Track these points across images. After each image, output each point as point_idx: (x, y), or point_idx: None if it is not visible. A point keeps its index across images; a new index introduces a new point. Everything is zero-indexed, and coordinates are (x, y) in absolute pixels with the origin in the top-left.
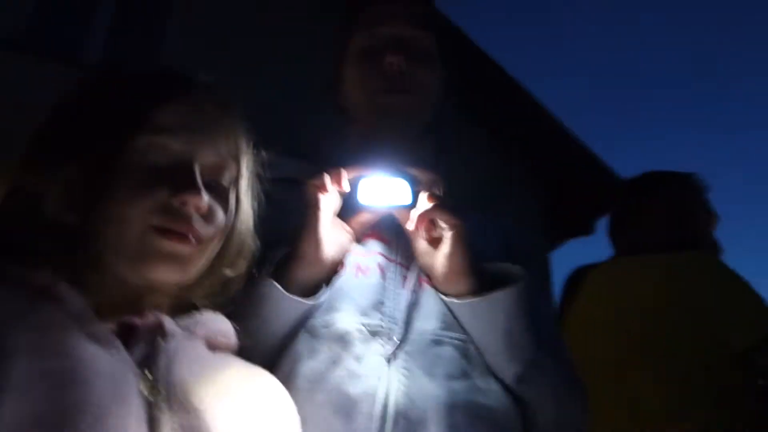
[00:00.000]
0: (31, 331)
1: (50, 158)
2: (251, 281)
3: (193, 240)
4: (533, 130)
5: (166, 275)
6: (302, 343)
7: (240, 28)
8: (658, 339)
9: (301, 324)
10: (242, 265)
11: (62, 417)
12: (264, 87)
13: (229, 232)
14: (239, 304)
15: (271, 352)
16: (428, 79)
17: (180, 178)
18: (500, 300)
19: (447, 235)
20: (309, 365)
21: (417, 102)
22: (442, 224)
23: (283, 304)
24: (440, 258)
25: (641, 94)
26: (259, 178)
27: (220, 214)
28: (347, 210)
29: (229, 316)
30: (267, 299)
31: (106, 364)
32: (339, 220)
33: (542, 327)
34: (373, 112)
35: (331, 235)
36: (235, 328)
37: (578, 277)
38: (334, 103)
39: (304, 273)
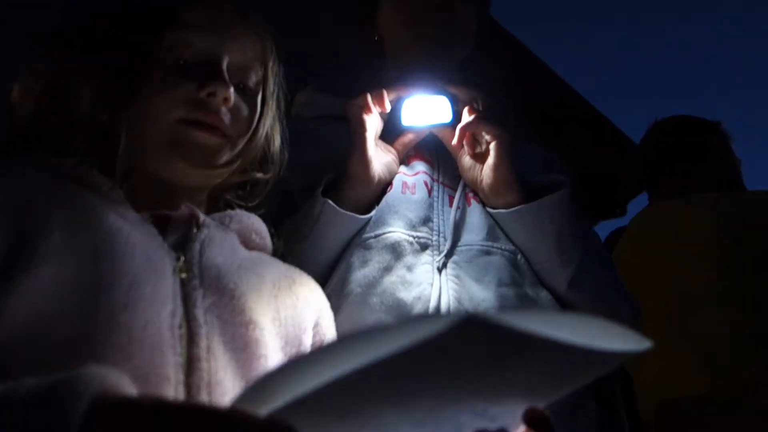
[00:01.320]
0: (64, 208)
1: (82, 57)
2: (306, 203)
3: (220, 131)
4: (562, 111)
5: (195, 166)
6: (354, 255)
7: None
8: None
9: (352, 240)
10: (271, 169)
11: (97, 284)
12: (295, 24)
13: (257, 134)
14: (295, 225)
15: (324, 268)
16: (470, 13)
17: (207, 72)
18: (548, 206)
19: (491, 147)
20: (361, 272)
21: (459, 34)
22: (486, 136)
23: (336, 220)
24: (486, 170)
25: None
26: (283, 89)
27: (246, 112)
28: (389, 133)
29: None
30: (321, 217)
31: (140, 241)
32: (383, 143)
33: (587, 236)
34: (412, 43)
35: (378, 155)
36: (269, 230)
37: (614, 239)
38: (366, 35)
39: (355, 192)
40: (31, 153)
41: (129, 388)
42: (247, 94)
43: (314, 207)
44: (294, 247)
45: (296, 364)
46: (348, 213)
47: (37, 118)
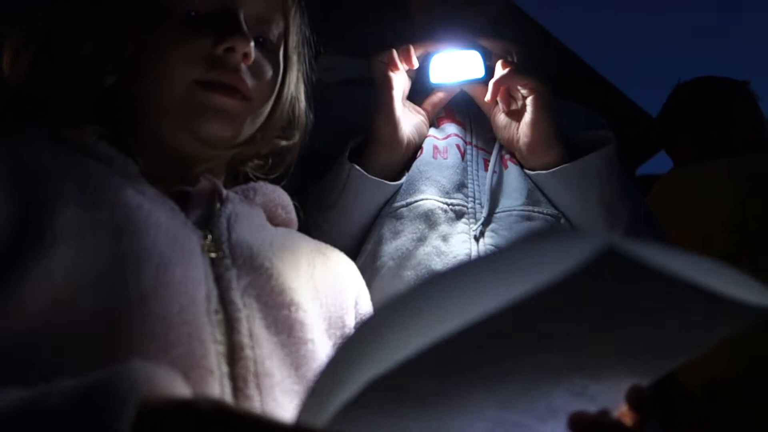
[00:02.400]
0: (78, 183)
1: (80, 9)
2: (331, 168)
3: (241, 94)
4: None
5: (214, 133)
6: (385, 226)
7: None
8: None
9: (382, 208)
10: (295, 136)
11: (122, 266)
12: None
13: (280, 95)
14: (321, 192)
15: (352, 240)
16: None
17: (223, 24)
18: (592, 165)
19: (528, 101)
20: (393, 244)
21: None
22: (522, 90)
23: (364, 186)
24: (523, 128)
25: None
26: (308, 43)
27: (268, 70)
28: (417, 93)
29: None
30: (348, 183)
31: (163, 219)
32: (411, 103)
33: (634, 197)
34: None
35: (406, 116)
36: (294, 204)
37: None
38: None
39: (383, 157)
40: (31, 122)
41: (182, 387)
42: (268, 49)
43: (340, 173)
44: (319, 216)
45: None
46: (377, 179)
47: (34, 81)
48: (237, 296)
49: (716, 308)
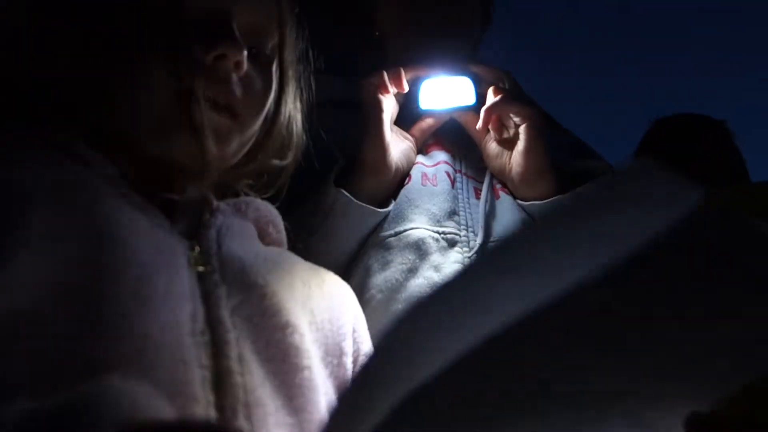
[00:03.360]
0: (54, 185)
1: (55, 5)
2: (314, 192)
3: (230, 110)
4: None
5: (198, 153)
6: (372, 257)
7: None
8: None
9: (368, 237)
10: (289, 156)
11: (97, 277)
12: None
13: (276, 114)
14: (303, 217)
15: (337, 268)
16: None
17: (214, 30)
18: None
19: (522, 129)
20: (382, 276)
21: (465, 20)
22: (515, 118)
23: (351, 212)
24: (516, 157)
25: None
26: (306, 56)
27: (260, 84)
28: (405, 118)
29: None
30: (334, 209)
31: (146, 226)
32: (398, 128)
33: None
34: (417, 43)
35: (394, 142)
36: (285, 225)
37: None
38: (365, 34)
39: (370, 182)
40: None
41: (165, 410)
42: (261, 62)
43: (326, 197)
44: (299, 244)
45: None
46: (365, 205)
47: (2, 77)
48: (226, 316)
49: None
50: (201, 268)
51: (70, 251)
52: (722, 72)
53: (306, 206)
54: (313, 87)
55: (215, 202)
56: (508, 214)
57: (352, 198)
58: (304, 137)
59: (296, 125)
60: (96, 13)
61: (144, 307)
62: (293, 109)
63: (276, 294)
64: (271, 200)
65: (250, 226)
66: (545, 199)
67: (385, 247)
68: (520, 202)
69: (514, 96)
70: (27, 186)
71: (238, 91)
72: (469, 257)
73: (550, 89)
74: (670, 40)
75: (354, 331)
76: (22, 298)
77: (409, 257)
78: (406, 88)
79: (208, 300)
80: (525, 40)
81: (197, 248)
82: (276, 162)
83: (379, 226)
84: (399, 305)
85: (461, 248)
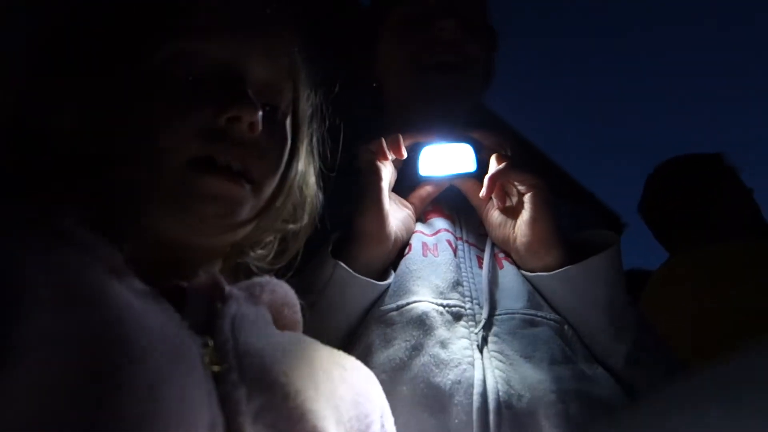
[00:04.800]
0: (55, 277)
1: (57, 73)
2: (311, 262)
3: (245, 177)
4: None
5: (210, 220)
6: (373, 333)
7: None
8: None
9: (368, 312)
10: (304, 218)
11: (105, 385)
12: None
13: (288, 176)
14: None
15: (337, 344)
16: (481, 54)
17: (226, 91)
18: (598, 267)
19: (527, 198)
20: (385, 354)
21: (467, 81)
22: (519, 186)
23: (349, 286)
24: (521, 227)
25: None
26: (321, 112)
27: (275, 144)
28: (403, 184)
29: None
30: (332, 282)
31: (157, 322)
32: (396, 196)
33: (635, 302)
34: (415, 89)
35: (393, 210)
36: (300, 302)
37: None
38: (366, 81)
39: (369, 253)
40: None
41: None
42: (275, 120)
43: (323, 271)
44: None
45: None
46: (365, 278)
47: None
48: (248, 424)
49: None
50: (216, 368)
51: (74, 355)
52: (728, 123)
53: (302, 279)
54: (328, 144)
55: (227, 287)
56: (512, 284)
57: (351, 271)
58: (320, 197)
59: (309, 185)
60: (101, 71)
61: (157, 420)
62: (306, 168)
63: (299, 393)
64: (285, 269)
65: (265, 312)
66: (552, 271)
67: (387, 322)
68: (525, 272)
69: (517, 163)
70: (25, 281)
71: (252, 153)
72: (476, 333)
73: (556, 139)
74: (675, 87)
75: (382, 426)
76: (15, 411)
77: (413, 333)
78: (404, 154)
79: (226, 405)
80: (530, 88)
81: (211, 342)
82: (290, 226)
83: (380, 299)
84: (404, 387)
85: (467, 322)
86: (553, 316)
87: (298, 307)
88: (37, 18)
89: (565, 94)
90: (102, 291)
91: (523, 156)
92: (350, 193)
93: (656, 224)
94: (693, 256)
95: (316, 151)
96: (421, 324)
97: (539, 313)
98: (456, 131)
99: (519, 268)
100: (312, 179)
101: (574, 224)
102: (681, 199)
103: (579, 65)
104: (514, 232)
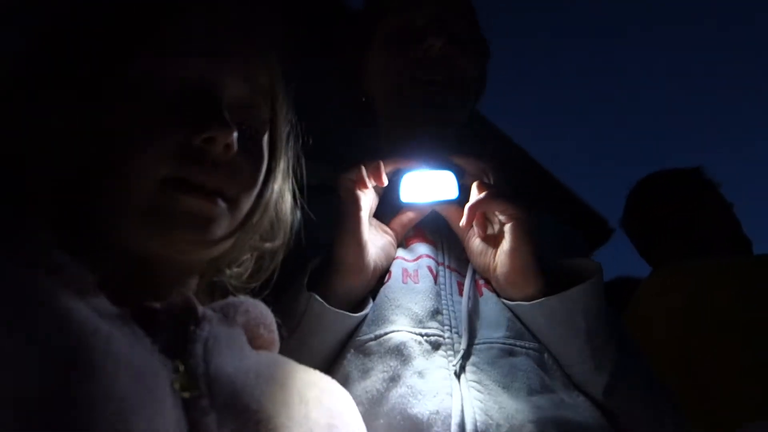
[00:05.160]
0: (18, 300)
1: (24, 91)
2: (286, 293)
3: (220, 196)
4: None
5: (185, 240)
6: (350, 363)
7: None
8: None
9: (346, 341)
10: (281, 237)
11: (67, 416)
12: None
13: (264, 194)
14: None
15: None
16: (470, 71)
17: (201, 110)
18: (579, 298)
19: (507, 229)
20: (362, 386)
21: (457, 98)
22: (500, 216)
23: (324, 318)
24: (501, 256)
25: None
26: (296, 130)
27: (251, 164)
28: (385, 210)
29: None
30: (307, 315)
31: (125, 347)
32: (377, 222)
33: (618, 330)
34: (403, 106)
35: (373, 237)
36: (277, 321)
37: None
38: (353, 98)
39: (346, 283)
40: None
41: None
42: (251, 139)
43: (298, 301)
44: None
45: None
46: (340, 311)
47: None
48: None
49: None
50: (186, 394)
51: (35, 384)
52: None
53: (280, 306)
54: (303, 162)
55: (200, 309)
56: (492, 312)
57: (326, 304)
58: (298, 215)
59: (285, 203)
60: (73, 85)
61: None
62: (283, 186)
63: (271, 420)
64: (261, 287)
65: (240, 333)
66: (531, 301)
67: (364, 352)
68: (504, 301)
69: (499, 191)
70: None
71: (228, 173)
72: (454, 363)
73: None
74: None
75: None
76: None
77: (391, 364)
78: (385, 182)
79: (195, 429)
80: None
81: (182, 367)
82: (267, 244)
83: (358, 328)
84: (381, 420)
85: (445, 351)
86: (532, 344)
87: (274, 326)
88: (8, 31)
89: (556, 94)
90: (66, 314)
91: (507, 181)
92: (329, 211)
93: (638, 238)
94: (682, 268)
95: (291, 169)
96: (399, 354)
97: (518, 342)
98: (439, 156)
99: (498, 295)
100: (288, 197)
101: (557, 242)
102: (662, 213)
103: (575, 65)
104: (494, 261)
